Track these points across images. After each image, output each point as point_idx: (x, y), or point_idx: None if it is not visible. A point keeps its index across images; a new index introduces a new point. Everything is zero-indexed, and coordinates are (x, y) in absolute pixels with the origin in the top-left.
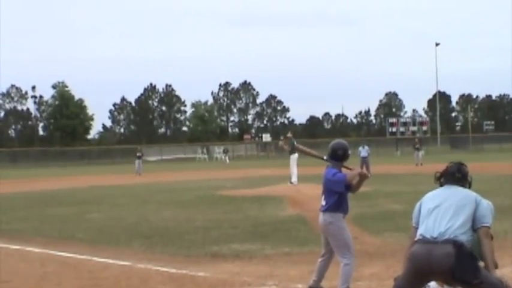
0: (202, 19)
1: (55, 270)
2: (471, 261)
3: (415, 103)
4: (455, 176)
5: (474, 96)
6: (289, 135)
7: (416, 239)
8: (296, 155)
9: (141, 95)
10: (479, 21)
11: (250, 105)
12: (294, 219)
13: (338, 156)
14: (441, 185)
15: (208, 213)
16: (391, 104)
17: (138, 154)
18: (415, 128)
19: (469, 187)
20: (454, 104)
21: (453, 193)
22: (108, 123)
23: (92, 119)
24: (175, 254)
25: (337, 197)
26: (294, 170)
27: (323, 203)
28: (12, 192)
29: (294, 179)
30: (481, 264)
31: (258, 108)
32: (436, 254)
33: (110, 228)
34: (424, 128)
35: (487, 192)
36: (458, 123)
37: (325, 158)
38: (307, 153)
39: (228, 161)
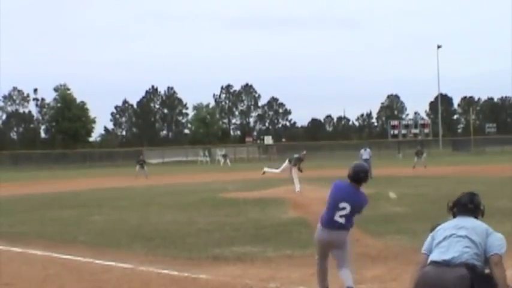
0: (204, 21)
1: (57, 272)
2: (489, 281)
3: (417, 105)
4: (468, 207)
5: (476, 99)
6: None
7: (428, 262)
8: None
9: (143, 97)
10: (481, 23)
11: (252, 107)
12: (295, 221)
13: (360, 179)
14: (454, 216)
15: (210, 215)
16: (393, 106)
17: (140, 163)
18: (416, 131)
19: (482, 215)
20: (455, 106)
21: (466, 224)
22: (110, 126)
23: (93, 121)
24: (177, 257)
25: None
26: (295, 180)
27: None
28: (14, 195)
29: (297, 186)
30: None
31: (259, 111)
32: (448, 277)
33: (112, 231)
34: (426, 130)
35: (488, 194)
36: (460, 126)
37: None
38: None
39: (229, 163)
